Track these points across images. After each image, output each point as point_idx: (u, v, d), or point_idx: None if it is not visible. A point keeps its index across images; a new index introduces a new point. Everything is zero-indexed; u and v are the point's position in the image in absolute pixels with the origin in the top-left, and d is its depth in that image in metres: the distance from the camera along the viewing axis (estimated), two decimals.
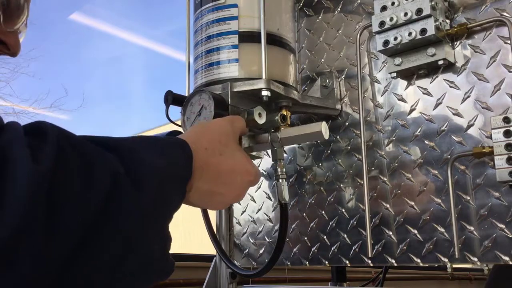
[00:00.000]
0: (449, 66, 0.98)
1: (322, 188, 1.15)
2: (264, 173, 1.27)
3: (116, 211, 0.47)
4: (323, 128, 0.84)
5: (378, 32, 0.99)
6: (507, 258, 0.88)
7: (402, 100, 1.05)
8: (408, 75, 1.03)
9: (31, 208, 0.40)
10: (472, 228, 0.92)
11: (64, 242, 0.43)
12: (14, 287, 0.40)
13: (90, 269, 0.46)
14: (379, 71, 1.09)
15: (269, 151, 0.97)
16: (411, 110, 1.03)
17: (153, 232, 0.53)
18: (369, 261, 1.05)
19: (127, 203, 0.48)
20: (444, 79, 0.99)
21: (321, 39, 1.21)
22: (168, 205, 0.56)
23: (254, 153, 0.94)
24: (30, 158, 0.42)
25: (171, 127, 1.03)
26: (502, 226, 0.89)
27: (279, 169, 0.94)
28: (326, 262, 1.13)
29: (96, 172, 0.47)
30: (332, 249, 1.11)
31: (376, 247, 1.04)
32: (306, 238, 1.16)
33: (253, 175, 0.73)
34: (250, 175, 0.72)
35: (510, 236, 0.88)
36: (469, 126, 0.95)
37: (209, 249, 1.24)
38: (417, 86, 1.03)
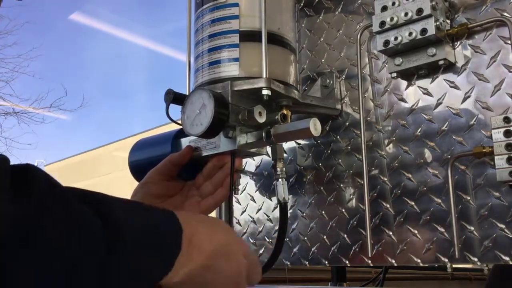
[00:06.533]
0: (450, 66, 0.98)
1: (322, 188, 1.15)
2: (265, 173, 1.27)
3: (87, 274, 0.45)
4: (312, 124, 0.84)
5: (379, 32, 0.99)
6: (507, 258, 0.88)
7: (403, 100, 1.05)
8: (409, 75, 1.03)
9: None
10: (472, 228, 0.92)
11: None
12: None
13: None
14: (380, 71, 1.09)
15: (269, 151, 0.98)
16: (411, 110, 1.03)
17: None
18: (369, 261, 1.05)
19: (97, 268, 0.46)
20: (444, 79, 0.99)
21: (322, 39, 1.21)
22: (141, 276, 0.50)
23: (254, 150, 0.94)
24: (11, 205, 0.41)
25: (172, 127, 1.03)
26: (502, 226, 0.89)
27: (278, 169, 0.94)
28: (326, 262, 1.13)
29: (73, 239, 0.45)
30: (332, 249, 1.11)
31: (376, 247, 1.04)
32: (306, 238, 1.16)
33: (249, 251, 0.65)
34: (246, 248, 0.64)
35: (510, 236, 0.88)
36: (469, 126, 0.95)
37: None
38: (418, 86, 1.03)
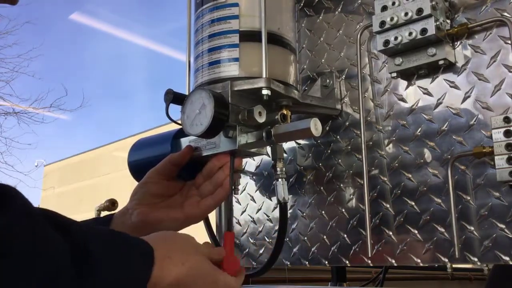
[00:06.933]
0: (450, 66, 0.98)
1: (322, 188, 1.15)
2: (265, 173, 1.27)
3: None
4: (312, 124, 0.84)
5: (379, 32, 0.99)
6: (507, 258, 0.88)
7: (403, 100, 1.05)
8: (409, 75, 1.03)
9: None
10: (472, 228, 0.92)
11: None
12: None
13: None
14: (380, 71, 1.09)
15: (269, 151, 0.97)
16: (411, 110, 1.03)
17: None
18: (369, 261, 1.05)
19: None
20: (444, 79, 0.99)
21: (322, 39, 1.21)
22: None
23: (254, 150, 0.94)
24: None
25: (172, 127, 1.03)
26: (502, 226, 0.89)
27: (278, 169, 0.94)
28: (326, 262, 1.13)
29: (39, 263, 0.46)
30: (332, 249, 1.11)
31: (376, 247, 1.03)
32: (306, 238, 1.16)
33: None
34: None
35: (510, 236, 0.88)
36: (469, 126, 0.95)
37: None
38: (418, 86, 1.03)
